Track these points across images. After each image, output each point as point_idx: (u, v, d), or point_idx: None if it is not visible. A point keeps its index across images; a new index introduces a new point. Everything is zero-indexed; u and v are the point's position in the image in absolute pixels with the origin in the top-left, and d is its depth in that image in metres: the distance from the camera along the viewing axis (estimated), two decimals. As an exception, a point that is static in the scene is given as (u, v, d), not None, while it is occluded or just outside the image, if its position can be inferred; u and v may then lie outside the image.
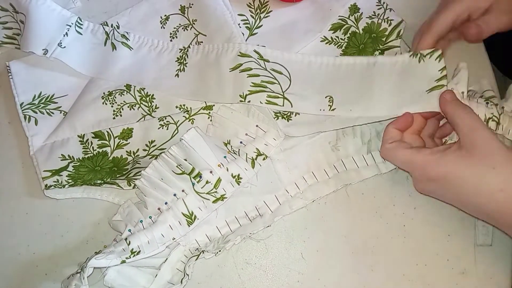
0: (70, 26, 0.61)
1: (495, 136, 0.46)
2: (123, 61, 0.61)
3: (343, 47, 0.61)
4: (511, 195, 0.44)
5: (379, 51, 0.60)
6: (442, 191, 0.49)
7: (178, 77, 0.59)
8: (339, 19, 0.62)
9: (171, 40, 0.62)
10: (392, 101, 0.54)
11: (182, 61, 0.60)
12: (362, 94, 0.55)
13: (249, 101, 0.55)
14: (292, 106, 0.56)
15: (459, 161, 0.46)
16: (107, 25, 0.63)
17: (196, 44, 0.61)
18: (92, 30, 0.62)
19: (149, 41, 0.62)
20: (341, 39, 0.62)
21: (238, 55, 0.57)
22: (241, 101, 0.55)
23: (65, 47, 0.60)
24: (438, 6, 0.57)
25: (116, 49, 0.61)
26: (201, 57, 0.59)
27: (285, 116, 0.57)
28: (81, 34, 0.62)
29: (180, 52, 0.61)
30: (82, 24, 0.62)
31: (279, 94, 0.56)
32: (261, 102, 0.55)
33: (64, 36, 0.60)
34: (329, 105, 0.56)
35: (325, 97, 0.56)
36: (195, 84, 0.59)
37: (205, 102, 0.59)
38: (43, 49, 0.59)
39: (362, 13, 0.62)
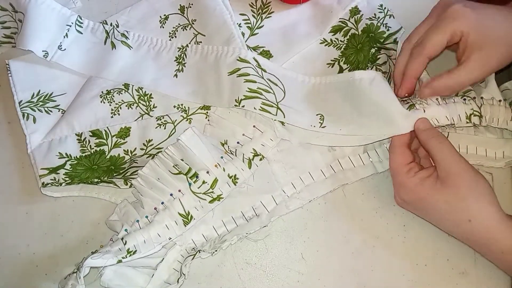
0: (70, 26, 0.61)
1: (467, 166, 0.49)
2: (123, 60, 0.61)
3: (342, 49, 0.62)
4: (477, 226, 0.48)
5: (376, 48, 0.60)
6: (416, 211, 0.53)
7: (176, 77, 0.59)
8: (340, 21, 0.62)
9: (170, 40, 0.62)
10: (379, 119, 0.53)
11: (180, 60, 0.60)
12: (351, 114, 0.55)
13: (243, 106, 0.55)
14: (284, 117, 0.55)
15: (434, 190, 0.49)
16: (107, 24, 0.63)
17: (195, 44, 0.61)
18: (92, 28, 0.62)
19: (148, 40, 0.62)
20: (340, 41, 0.62)
21: (237, 60, 0.57)
22: (235, 105, 0.55)
23: (65, 49, 0.61)
24: (426, 21, 0.54)
25: (115, 48, 0.61)
26: (200, 58, 0.60)
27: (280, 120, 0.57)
28: (81, 33, 0.62)
29: (178, 51, 0.61)
30: (82, 23, 0.62)
31: (273, 103, 0.55)
32: (255, 108, 0.55)
33: (64, 37, 0.61)
34: (319, 122, 0.55)
35: (316, 115, 0.56)
36: (194, 85, 0.59)
37: (203, 102, 0.59)
38: (43, 51, 0.59)
39: (362, 15, 0.62)
